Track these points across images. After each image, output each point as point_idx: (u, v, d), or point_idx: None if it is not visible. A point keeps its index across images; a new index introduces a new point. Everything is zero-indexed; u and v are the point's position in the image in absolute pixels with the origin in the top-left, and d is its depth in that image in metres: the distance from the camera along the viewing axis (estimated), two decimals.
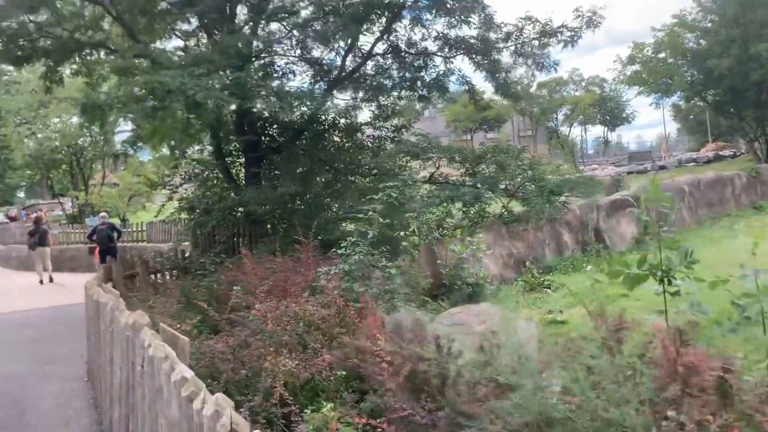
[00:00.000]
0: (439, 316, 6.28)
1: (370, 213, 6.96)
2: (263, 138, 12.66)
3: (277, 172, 12.53)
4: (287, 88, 10.82)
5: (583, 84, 77.66)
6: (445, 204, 10.37)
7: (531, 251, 23.56)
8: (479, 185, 10.13)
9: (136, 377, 3.42)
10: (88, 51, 13.36)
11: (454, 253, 13.08)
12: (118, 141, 29.56)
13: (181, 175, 13.26)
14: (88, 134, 29.94)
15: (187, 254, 12.50)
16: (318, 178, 12.24)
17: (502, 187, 10.38)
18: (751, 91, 37.50)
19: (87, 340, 7.15)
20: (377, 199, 7.39)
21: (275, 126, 12.40)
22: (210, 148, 14.32)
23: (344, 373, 4.17)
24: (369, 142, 12.88)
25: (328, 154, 12.30)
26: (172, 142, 14.98)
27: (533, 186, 10.09)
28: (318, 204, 11.68)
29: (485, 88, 14.45)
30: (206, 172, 13.15)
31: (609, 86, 75.10)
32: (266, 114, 12.36)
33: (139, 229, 21.68)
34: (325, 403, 3.78)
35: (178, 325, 4.79)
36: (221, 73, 8.43)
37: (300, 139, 12.43)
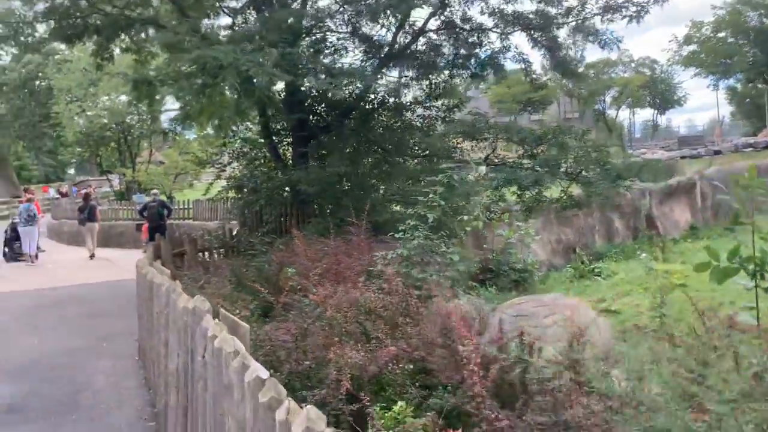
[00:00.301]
0: (502, 306, 5.94)
1: (431, 196, 6.65)
2: (311, 117, 12.44)
3: (324, 151, 12.31)
4: (339, 65, 10.51)
5: (633, 65, 74.92)
6: (498, 187, 9.95)
7: (580, 237, 22.90)
8: (539, 168, 9.65)
9: (196, 367, 3.21)
10: (137, 28, 13.31)
11: (502, 237, 12.71)
12: (165, 120, 29.98)
13: (228, 153, 13.17)
14: (135, 112, 30.34)
15: (234, 233, 12.45)
16: (366, 159, 11.97)
17: (563, 169, 9.88)
18: None
19: (138, 319, 7.08)
20: (438, 181, 7.05)
21: (324, 105, 12.15)
22: (256, 127, 14.22)
23: (411, 366, 3.90)
24: (418, 122, 12.53)
25: (377, 134, 12.00)
26: (218, 121, 14.95)
27: (598, 169, 9.56)
28: (366, 185, 11.41)
29: (536, 67, 13.82)
30: (254, 151, 13.03)
31: (660, 68, 72.44)
32: (315, 92, 12.11)
33: (186, 206, 21.87)
34: (396, 401, 3.52)
35: (237, 311, 4.59)
36: (273, 49, 8.18)
37: (348, 119, 12.16)
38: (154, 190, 18.04)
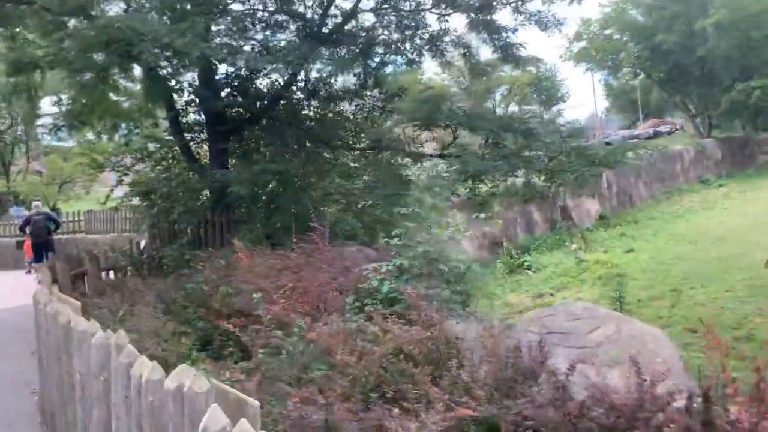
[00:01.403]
0: (521, 321, 4.88)
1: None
2: (231, 109, 10.92)
3: (248, 148, 10.85)
4: (273, 44, 9.07)
5: (519, 64, 77.56)
6: (465, 180, 8.96)
7: (505, 231, 22.67)
8: (508, 157, 8.68)
9: None
10: (8, 9, 11.12)
11: (434, 235, 12.08)
12: (41, 126, 26.45)
13: (132, 155, 11.28)
14: (7, 115, 26.65)
15: (143, 247, 10.67)
16: (299, 155, 10.60)
17: (538, 158, 8.89)
18: (695, 66, 37.92)
19: (41, 370, 5.35)
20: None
21: (245, 94, 10.64)
22: (150, 126, 12.43)
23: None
24: (352, 114, 11.33)
25: (308, 127, 10.69)
26: (113, 119, 13.02)
27: (574, 156, 8.74)
28: (302, 185, 10.05)
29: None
30: (162, 150, 11.23)
31: (544, 66, 75.71)
32: (234, 81, 10.63)
33: (76, 218, 19.23)
34: None
35: (220, 369, 3.19)
36: (197, 18, 6.64)
37: (274, 110, 10.76)
38: (36, 202, 15.55)
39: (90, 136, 24.27)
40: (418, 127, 9.81)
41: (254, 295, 4.64)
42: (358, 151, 10.57)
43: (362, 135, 11.02)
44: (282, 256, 6.30)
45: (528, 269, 18.22)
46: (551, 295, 16.45)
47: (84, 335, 3.14)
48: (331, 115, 10.85)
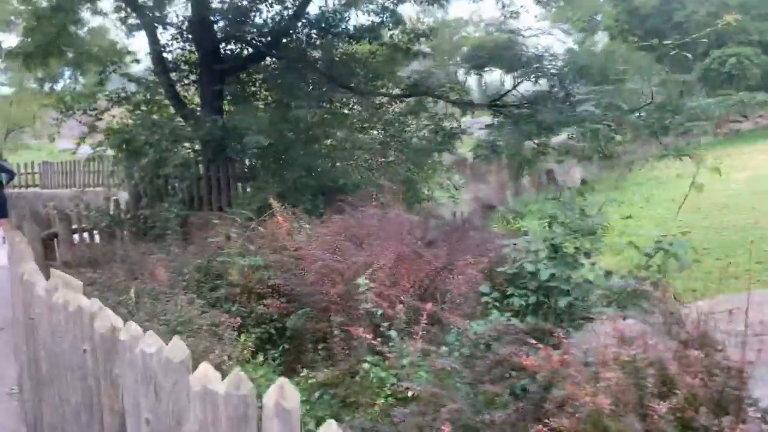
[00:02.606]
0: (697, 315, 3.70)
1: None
2: (226, 46, 9.34)
3: (248, 90, 9.35)
4: None
5: (482, 26, 76.23)
6: (542, 132, 7.63)
7: (495, 194, 21.68)
8: (597, 108, 7.23)
9: None
10: None
11: (434, 200, 11.28)
12: None
13: (106, 96, 9.55)
14: None
15: (125, 206, 9.11)
16: (309, 100, 9.11)
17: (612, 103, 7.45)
18: (671, 32, 37.45)
19: (32, 381, 3.89)
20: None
21: (244, 30, 9.05)
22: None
23: None
24: (369, 56, 9.87)
25: (322, 68, 9.19)
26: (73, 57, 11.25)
27: (671, 110, 7.48)
28: (314, 135, 8.62)
29: None
30: (145, 92, 9.55)
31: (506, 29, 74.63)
32: (231, 14, 9.02)
33: (30, 170, 17.06)
34: None
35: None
36: None
37: (279, 48, 9.23)
38: None
39: (32, 84, 21.73)
40: (470, 71, 8.43)
41: (359, 281, 3.30)
42: (386, 98, 9.15)
43: (377, 82, 9.64)
44: (333, 222, 4.96)
45: (526, 235, 17.43)
46: None
47: (171, 368, 1.79)
48: (345, 56, 9.35)
